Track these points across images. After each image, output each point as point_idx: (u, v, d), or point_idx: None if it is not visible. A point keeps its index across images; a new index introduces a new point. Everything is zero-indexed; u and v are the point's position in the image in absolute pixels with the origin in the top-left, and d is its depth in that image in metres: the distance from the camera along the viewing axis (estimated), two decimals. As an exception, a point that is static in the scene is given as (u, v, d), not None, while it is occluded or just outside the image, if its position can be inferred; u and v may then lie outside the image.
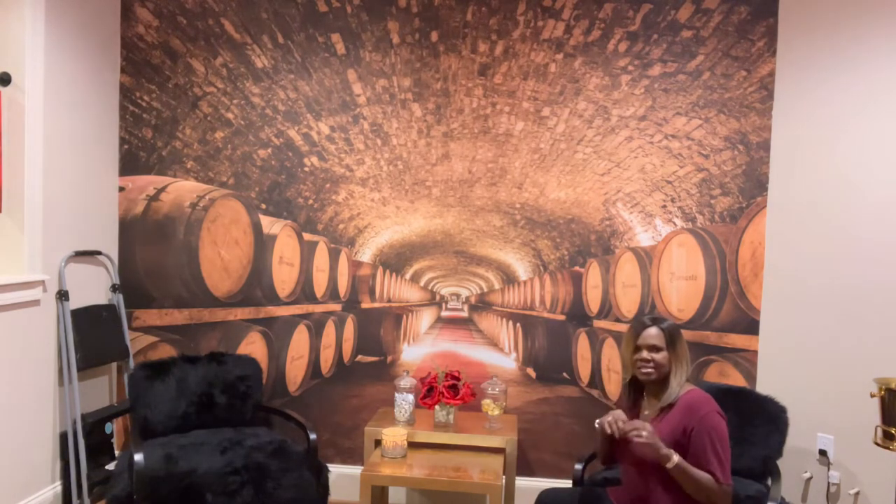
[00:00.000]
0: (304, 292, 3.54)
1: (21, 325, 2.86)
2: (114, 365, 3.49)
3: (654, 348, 2.24)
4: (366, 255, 3.52)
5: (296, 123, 3.46)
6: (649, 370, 2.24)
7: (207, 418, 3.07)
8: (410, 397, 3.14)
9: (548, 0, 3.29)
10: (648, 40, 3.25)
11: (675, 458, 2.07)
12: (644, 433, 2.07)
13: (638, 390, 2.37)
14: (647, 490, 2.22)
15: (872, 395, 2.41)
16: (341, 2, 3.39)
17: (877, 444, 2.42)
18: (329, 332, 3.55)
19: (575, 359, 3.42)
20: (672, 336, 2.26)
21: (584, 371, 3.41)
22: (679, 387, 2.23)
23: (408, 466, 2.86)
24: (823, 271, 2.95)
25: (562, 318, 3.43)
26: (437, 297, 3.55)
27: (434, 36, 3.36)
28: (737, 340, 3.25)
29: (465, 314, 3.55)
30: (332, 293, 3.55)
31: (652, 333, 2.25)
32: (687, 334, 3.27)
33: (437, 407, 3.14)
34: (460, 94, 3.37)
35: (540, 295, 3.45)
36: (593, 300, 3.40)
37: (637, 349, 2.27)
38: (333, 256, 3.53)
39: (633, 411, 2.36)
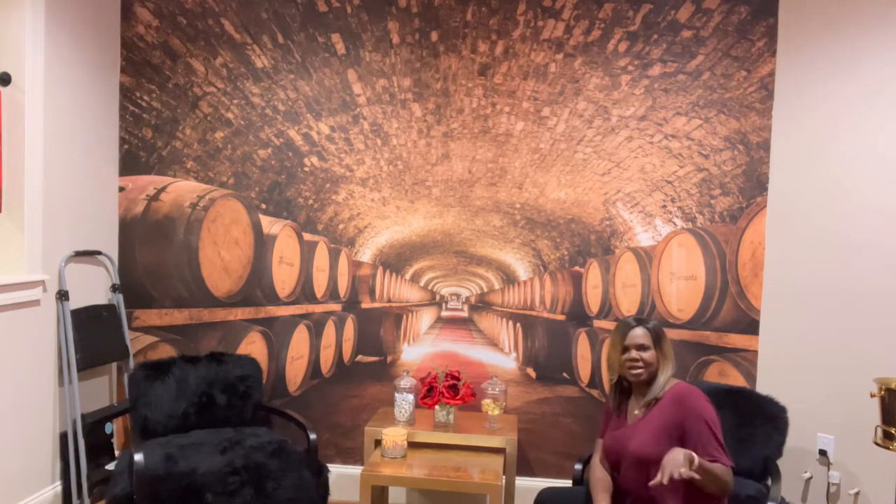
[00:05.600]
0: (304, 292, 3.54)
1: (21, 325, 2.86)
2: (114, 365, 3.49)
3: (642, 347, 2.28)
4: (366, 255, 3.52)
5: (296, 123, 3.46)
6: (639, 369, 2.27)
7: (207, 418, 3.07)
8: (410, 397, 3.14)
9: (548, 0, 3.29)
10: (648, 40, 3.25)
11: (696, 459, 1.97)
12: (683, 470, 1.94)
13: (623, 392, 2.39)
14: (647, 493, 2.22)
15: (872, 395, 2.41)
16: (341, 2, 3.39)
17: (877, 444, 2.42)
18: (329, 332, 3.55)
19: (575, 359, 3.42)
20: (658, 335, 2.31)
21: (584, 371, 3.41)
22: (665, 383, 2.27)
23: (408, 466, 2.86)
24: (823, 271, 2.95)
25: (562, 318, 3.43)
26: (437, 297, 3.55)
27: (434, 36, 3.36)
28: (737, 340, 3.25)
29: (465, 314, 3.55)
30: (332, 293, 3.55)
31: (639, 333, 2.30)
32: (687, 334, 3.27)
33: (437, 407, 3.14)
34: (460, 94, 3.37)
35: (540, 295, 3.45)
36: (593, 300, 3.40)
37: (625, 350, 2.31)
38: (333, 256, 3.53)
39: (620, 412, 2.38)
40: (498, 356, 3.51)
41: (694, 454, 1.99)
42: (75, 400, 3.05)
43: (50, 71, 2.98)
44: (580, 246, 3.39)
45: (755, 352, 3.22)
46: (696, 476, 1.94)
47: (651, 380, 2.28)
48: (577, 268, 3.40)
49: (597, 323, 3.40)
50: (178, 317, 3.53)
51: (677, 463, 1.95)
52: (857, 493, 2.81)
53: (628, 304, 3.36)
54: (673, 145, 3.27)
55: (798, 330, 3.05)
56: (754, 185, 3.21)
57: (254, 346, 3.53)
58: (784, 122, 3.13)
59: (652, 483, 2.02)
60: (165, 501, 2.58)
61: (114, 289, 3.45)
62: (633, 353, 2.28)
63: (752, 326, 3.23)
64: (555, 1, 3.28)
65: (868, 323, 2.79)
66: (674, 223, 3.29)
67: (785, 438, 2.70)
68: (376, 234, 3.50)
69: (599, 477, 2.36)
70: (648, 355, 2.27)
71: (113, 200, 3.52)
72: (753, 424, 2.73)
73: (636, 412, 2.32)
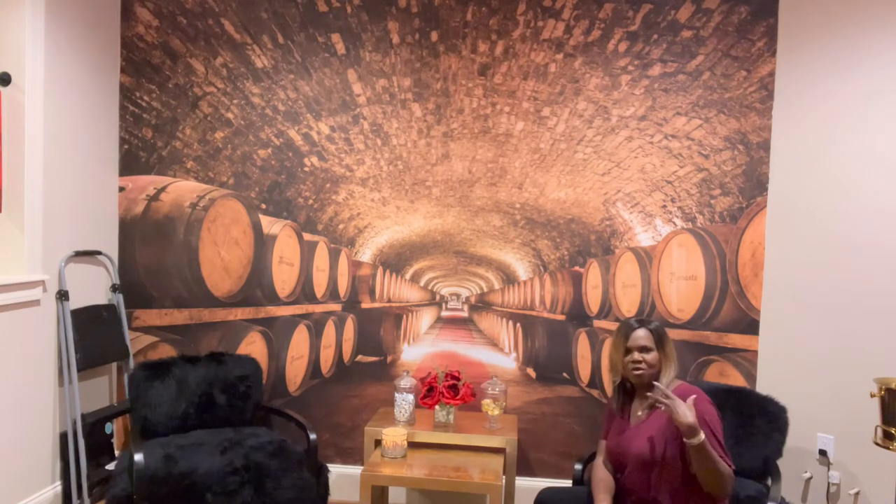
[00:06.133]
0: (304, 292, 3.54)
1: (21, 325, 2.86)
2: (114, 365, 3.49)
3: (644, 349, 2.28)
4: (366, 255, 3.52)
5: (296, 123, 3.46)
6: (641, 371, 2.27)
7: (207, 418, 3.07)
8: (410, 397, 3.14)
9: (548, 0, 3.29)
10: (648, 40, 3.25)
11: (702, 435, 2.04)
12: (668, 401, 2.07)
13: (626, 393, 2.39)
14: (649, 493, 2.22)
15: (872, 395, 2.41)
16: (341, 2, 3.39)
17: (877, 444, 2.42)
18: (329, 332, 3.55)
19: (575, 359, 3.42)
20: (660, 336, 2.31)
21: (584, 371, 3.41)
22: (668, 385, 2.26)
23: (408, 466, 2.86)
24: (823, 271, 2.95)
25: (562, 318, 3.43)
26: (437, 297, 3.55)
27: (434, 36, 3.36)
28: (737, 340, 3.25)
29: (464, 314, 3.55)
30: (332, 293, 3.55)
31: (641, 335, 2.29)
32: (687, 334, 3.27)
33: (437, 407, 3.14)
34: (460, 94, 3.37)
35: (540, 295, 3.45)
36: (593, 300, 3.40)
37: (627, 351, 2.30)
38: (333, 256, 3.53)
39: (623, 413, 2.38)
40: (498, 356, 3.51)
41: (699, 429, 2.02)
42: (75, 400, 3.05)
43: (50, 71, 2.98)
44: (580, 246, 3.39)
45: (755, 352, 3.22)
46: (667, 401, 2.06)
47: (654, 381, 2.28)
48: (577, 268, 3.40)
49: (597, 323, 3.40)
50: (178, 317, 3.53)
51: (682, 406, 2.04)
52: (857, 493, 2.81)
53: (628, 304, 3.36)
54: (673, 145, 3.27)
55: (798, 330, 3.05)
56: (754, 185, 3.21)
57: (254, 346, 3.53)
58: (784, 122, 3.13)
59: (653, 392, 2.14)
60: (165, 501, 2.58)
61: (114, 289, 3.45)
62: (636, 356, 2.27)
63: (752, 326, 3.23)
64: (555, 1, 3.28)
65: (868, 323, 2.79)
66: (674, 223, 3.29)
67: (785, 438, 2.70)
68: (376, 234, 3.50)
69: (601, 477, 2.36)
70: (651, 357, 2.27)
71: (113, 200, 3.52)
72: (753, 424, 2.73)
73: (639, 413, 2.32)
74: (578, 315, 3.41)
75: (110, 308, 3.38)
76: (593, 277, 3.39)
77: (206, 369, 3.15)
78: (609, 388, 2.48)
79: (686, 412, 2.04)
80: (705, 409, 2.17)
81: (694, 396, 2.12)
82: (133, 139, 3.54)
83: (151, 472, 2.60)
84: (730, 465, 2.11)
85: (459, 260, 3.49)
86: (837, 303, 2.90)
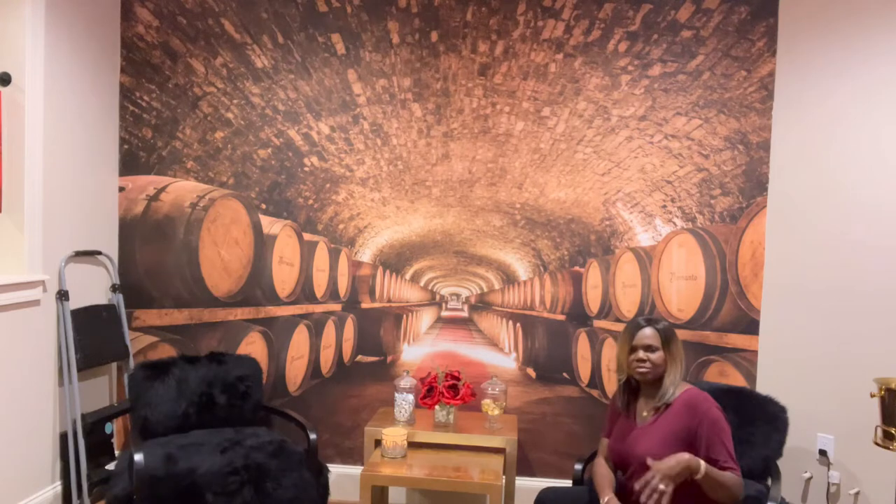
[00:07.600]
0: (304, 292, 3.54)
1: (21, 325, 2.86)
2: (114, 365, 3.49)
3: (649, 348, 2.27)
4: (366, 255, 3.52)
5: (296, 123, 3.46)
6: (645, 370, 2.27)
7: (207, 418, 3.07)
8: (410, 397, 3.14)
9: (548, 0, 3.29)
10: (648, 40, 3.25)
11: (703, 467, 2.05)
12: (663, 485, 2.00)
13: (632, 392, 2.39)
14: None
15: (872, 395, 2.41)
16: (341, 2, 3.39)
17: (877, 444, 2.42)
18: (329, 332, 3.55)
19: (575, 359, 3.42)
20: (667, 336, 2.30)
21: (584, 371, 3.41)
22: (673, 385, 2.26)
23: (408, 466, 2.86)
24: (823, 271, 2.95)
25: (562, 318, 3.43)
26: (437, 297, 3.55)
27: (434, 36, 3.36)
28: (737, 340, 3.25)
29: (465, 314, 3.55)
30: (332, 293, 3.55)
31: (647, 334, 2.29)
32: (687, 334, 3.27)
33: (437, 407, 3.14)
34: (460, 94, 3.37)
35: (540, 295, 3.45)
36: (593, 300, 3.40)
37: (633, 349, 2.30)
38: (333, 256, 3.53)
39: (628, 412, 2.38)
40: (498, 356, 3.51)
41: (701, 462, 2.02)
42: (75, 400, 3.05)
43: (50, 71, 2.98)
44: (580, 246, 3.39)
45: (755, 352, 3.22)
46: (664, 488, 1.98)
47: (658, 380, 2.28)
48: (577, 268, 3.40)
49: (597, 323, 3.40)
50: (178, 317, 3.53)
51: (664, 467, 2.00)
52: (857, 493, 2.81)
53: (628, 304, 3.36)
54: (673, 145, 3.27)
55: (798, 330, 3.05)
56: (754, 185, 3.21)
57: (254, 346, 3.53)
58: (784, 122, 3.13)
59: (637, 484, 2.06)
60: (165, 501, 2.58)
61: (114, 289, 3.45)
62: (641, 354, 2.27)
63: (752, 326, 3.23)
64: (555, 1, 3.28)
65: (868, 323, 2.79)
66: (674, 223, 3.29)
67: (785, 438, 2.70)
68: (376, 234, 3.50)
69: (604, 473, 2.36)
70: (656, 356, 2.26)
71: (113, 200, 3.52)
72: (753, 424, 2.73)
73: (644, 413, 2.32)
74: (578, 315, 3.42)
75: (110, 308, 3.39)
76: (593, 277, 3.39)
77: (206, 369, 3.15)
78: (613, 388, 2.48)
79: (671, 465, 2.01)
80: (715, 414, 2.17)
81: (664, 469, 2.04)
82: (133, 139, 3.54)
83: (151, 472, 2.60)
84: (737, 473, 2.11)
85: (459, 260, 3.49)
86: (837, 303, 2.90)
